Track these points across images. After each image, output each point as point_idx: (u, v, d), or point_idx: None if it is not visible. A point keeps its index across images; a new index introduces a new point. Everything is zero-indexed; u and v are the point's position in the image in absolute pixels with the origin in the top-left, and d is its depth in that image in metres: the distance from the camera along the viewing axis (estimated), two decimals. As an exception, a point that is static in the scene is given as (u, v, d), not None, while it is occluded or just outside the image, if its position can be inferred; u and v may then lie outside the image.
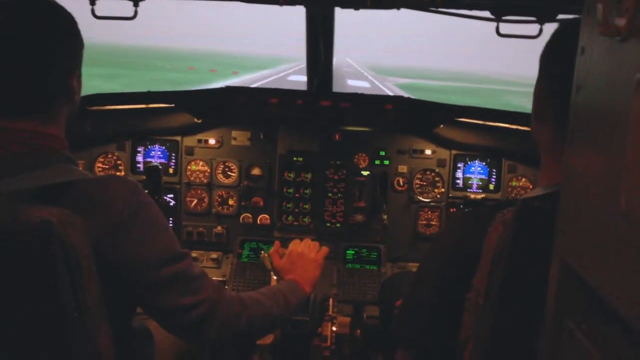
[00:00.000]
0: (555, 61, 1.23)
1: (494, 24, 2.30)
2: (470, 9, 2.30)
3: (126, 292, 1.47)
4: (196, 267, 1.57)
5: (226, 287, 3.04)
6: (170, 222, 3.32)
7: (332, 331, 2.55)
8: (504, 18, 2.29)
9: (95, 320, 1.37)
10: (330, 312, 2.69)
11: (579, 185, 0.81)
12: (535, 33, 2.29)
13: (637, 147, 0.60)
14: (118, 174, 3.27)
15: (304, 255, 2.21)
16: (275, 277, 2.33)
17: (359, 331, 2.67)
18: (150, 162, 3.30)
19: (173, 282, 1.48)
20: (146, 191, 1.60)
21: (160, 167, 3.03)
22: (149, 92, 3.19)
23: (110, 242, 1.40)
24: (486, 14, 2.31)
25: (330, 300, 2.77)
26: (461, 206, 3.22)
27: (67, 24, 1.51)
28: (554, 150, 1.22)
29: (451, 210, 3.29)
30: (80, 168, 1.55)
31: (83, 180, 1.43)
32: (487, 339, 1.11)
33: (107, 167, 3.30)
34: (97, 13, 2.39)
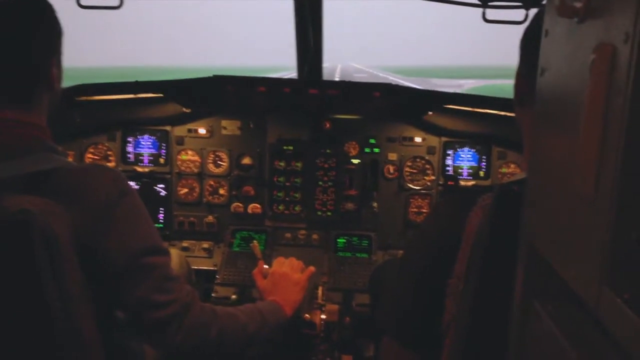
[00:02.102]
0: (534, 45, 1.22)
1: (480, 10, 2.30)
2: None
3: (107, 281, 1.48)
4: (173, 270, 1.55)
5: (217, 276, 3.06)
6: (162, 212, 3.33)
7: (321, 319, 2.56)
8: (490, 4, 2.29)
9: (79, 309, 1.37)
10: (319, 300, 2.70)
11: (542, 168, 0.81)
12: (521, 19, 2.28)
13: (590, 126, 0.61)
14: (108, 164, 3.27)
15: (287, 277, 2.17)
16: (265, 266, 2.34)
17: (348, 319, 2.68)
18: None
19: (148, 274, 1.47)
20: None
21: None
22: (136, 82, 3.18)
23: (92, 229, 1.40)
24: (473, -1, 2.30)
25: (320, 288, 2.78)
26: (449, 182, 3.14)
27: (44, 10, 1.50)
28: None
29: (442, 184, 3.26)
30: (71, 159, 1.55)
31: (65, 168, 1.43)
32: (467, 322, 1.12)
33: (97, 157, 3.30)
34: (82, 3, 2.38)
